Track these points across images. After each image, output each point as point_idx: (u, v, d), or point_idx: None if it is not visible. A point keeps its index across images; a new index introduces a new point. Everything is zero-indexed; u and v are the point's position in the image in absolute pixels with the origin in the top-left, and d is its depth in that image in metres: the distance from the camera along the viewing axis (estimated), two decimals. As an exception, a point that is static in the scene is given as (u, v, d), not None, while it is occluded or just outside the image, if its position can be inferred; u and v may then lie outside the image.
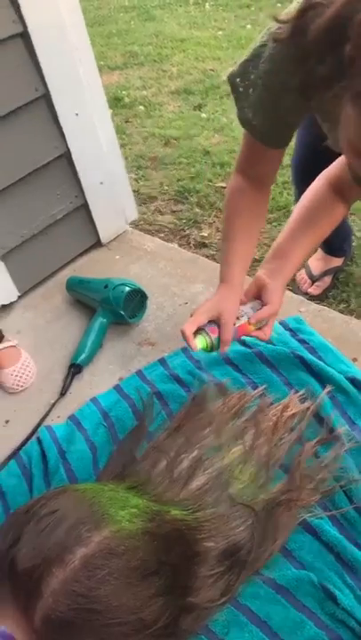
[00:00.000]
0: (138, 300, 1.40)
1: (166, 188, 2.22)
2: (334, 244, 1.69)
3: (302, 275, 1.74)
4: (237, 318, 1.04)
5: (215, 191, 2.14)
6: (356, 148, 0.60)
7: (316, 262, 1.73)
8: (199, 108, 2.75)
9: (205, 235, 1.94)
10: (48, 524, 0.72)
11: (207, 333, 1.02)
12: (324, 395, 1.11)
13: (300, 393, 1.13)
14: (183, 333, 0.99)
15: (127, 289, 1.37)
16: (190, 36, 3.71)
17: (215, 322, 1.03)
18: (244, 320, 1.05)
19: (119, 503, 0.80)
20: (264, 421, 1.10)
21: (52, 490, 0.82)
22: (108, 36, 3.98)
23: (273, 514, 0.92)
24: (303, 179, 1.25)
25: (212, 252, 1.85)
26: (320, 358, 1.20)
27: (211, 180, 2.20)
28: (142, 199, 2.19)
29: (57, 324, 1.50)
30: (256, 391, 1.16)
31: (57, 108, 1.41)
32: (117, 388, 1.26)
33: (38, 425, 1.23)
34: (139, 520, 0.78)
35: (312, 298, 1.63)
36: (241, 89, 0.83)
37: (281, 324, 1.31)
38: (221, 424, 1.11)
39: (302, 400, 1.12)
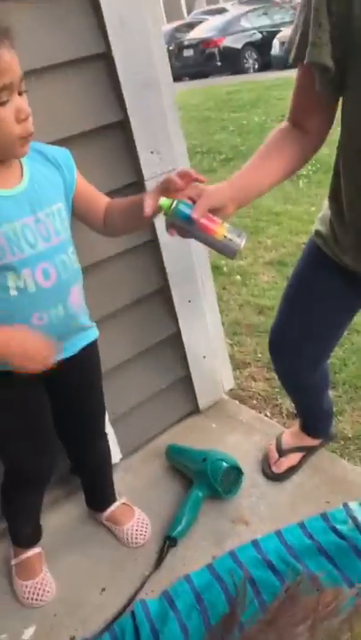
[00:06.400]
0: (234, 475, 1.47)
1: (260, 355, 2.36)
2: (308, 419, 1.57)
3: (272, 446, 1.60)
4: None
5: (307, 362, 2.24)
6: None
7: (288, 436, 1.60)
8: (293, 279, 2.98)
9: (297, 406, 2.01)
10: None
11: (177, 199, 0.96)
12: None
13: None
14: (158, 184, 0.98)
15: (225, 465, 1.45)
16: (285, 210, 4.08)
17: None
18: (217, 220, 0.98)
19: None
20: (359, 624, 1.08)
21: None
22: (209, 208, 4.47)
23: None
24: None
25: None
26: None
27: (303, 350, 2.32)
28: (236, 364, 2.32)
29: (154, 491, 1.58)
30: (352, 590, 1.15)
31: (174, 296, 1.62)
32: (210, 568, 1.29)
33: (132, 598, 1.27)
34: None
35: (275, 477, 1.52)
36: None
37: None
38: (316, 622, 1.10)
39: None
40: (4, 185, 0.98)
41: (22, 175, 1.02)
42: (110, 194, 1.38)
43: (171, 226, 0.99)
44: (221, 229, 0.97)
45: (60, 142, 1.24)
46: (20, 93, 0.91)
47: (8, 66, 0.86)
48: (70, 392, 1.24)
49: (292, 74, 1.02)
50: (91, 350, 1.22)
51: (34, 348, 1.01)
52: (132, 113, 1.36)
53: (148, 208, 0.97)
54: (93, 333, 1.23)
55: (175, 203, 0.96)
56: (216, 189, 1.00)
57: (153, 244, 1.54)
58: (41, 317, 1.04)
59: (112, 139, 1.39)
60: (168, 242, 1.53)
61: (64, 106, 1.29)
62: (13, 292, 1.00)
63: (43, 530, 1.40)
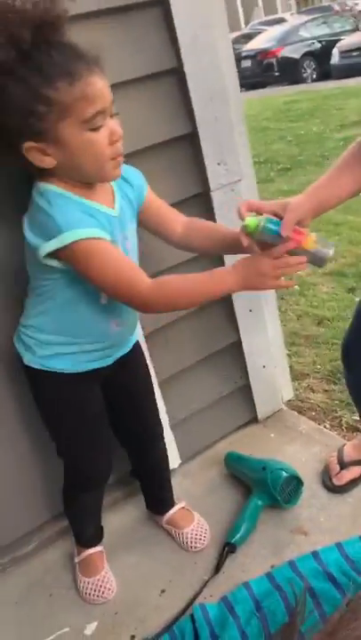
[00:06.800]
0: (294, 485, 1.47)
1: (319, 367, 2.34)
2: None
3: (333, 458, 1.58)
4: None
5: (367, 374, 2.20)
6: None
7: (350, 448, 1.58)
8: (352, 291, 2.93)
9: (358, 418, 1.98)
10: None
11: (262, 217, 1.00)
12: None
13: None
14: (241, 205, 1.03)
15: (285, 474, 1.45)
16: (345, 220, 4.03)
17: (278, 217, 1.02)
18: (303, 231, 1.01)
19: None
20: None
21: None
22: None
23: None
24: None
25: (363, 438, 1.87)
26: None
27: (363, 364, 2.28)
28: (295, 375, 2.31)
29: (212, 497, 1.59)
30: None
31: (235, 305, 1.64)
32: (270, 577, 1.29)
33: (192, 601, 1.28)
34: None
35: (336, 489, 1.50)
36: None
37: None
38: (378, 638, 1.08)
39: None
40: (109, 205, 1.04)
41: (114, 195, 1.08)
42: (177, 204, 1.42)
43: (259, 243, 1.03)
44: (310, 240, 1.00)
45: (132, 155, 1.29)
46: (111, 116, 0.96)
47: (101, 92, 0.92)
48: (124, 389, 1.31)
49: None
50: (137, 347, 1.31)
51: (259, 270, 1.00)
52: (200, 125, 1.39)
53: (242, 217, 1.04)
54: (137, 333, 1.32)
55: (262, 221, 1.00)
56: (298, 203, 1.04)
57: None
58: (119, 324, 1.13)
59: (180, 151, 1.43)
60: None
61: (136, 120, 1.33)
62: (104, 301, 1.07)
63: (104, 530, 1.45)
